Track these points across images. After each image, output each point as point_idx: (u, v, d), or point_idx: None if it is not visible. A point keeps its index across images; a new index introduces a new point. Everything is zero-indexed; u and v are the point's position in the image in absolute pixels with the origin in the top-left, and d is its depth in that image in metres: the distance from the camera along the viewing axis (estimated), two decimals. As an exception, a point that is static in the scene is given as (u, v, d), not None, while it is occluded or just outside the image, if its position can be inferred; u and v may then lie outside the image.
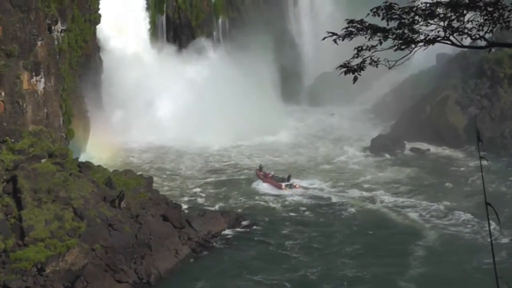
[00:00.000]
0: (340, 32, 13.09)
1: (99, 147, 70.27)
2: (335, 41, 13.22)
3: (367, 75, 13.78)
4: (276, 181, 62.50)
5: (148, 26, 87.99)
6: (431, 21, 12.86)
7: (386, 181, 64.09)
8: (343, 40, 13.18)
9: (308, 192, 60.83)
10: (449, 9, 12.75)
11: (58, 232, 43.53)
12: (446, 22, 12.75)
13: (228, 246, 48.98)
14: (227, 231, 51.08)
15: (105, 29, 77.58)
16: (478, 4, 12.67)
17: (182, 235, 48.53)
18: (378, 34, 12.94)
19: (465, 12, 12.74)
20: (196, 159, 73.37)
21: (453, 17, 12.76)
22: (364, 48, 12.89)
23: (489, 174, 61.82)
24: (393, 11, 13.01)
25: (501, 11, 12.61)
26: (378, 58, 12.94)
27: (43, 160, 50.28)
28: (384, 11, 13.02)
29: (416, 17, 12.95)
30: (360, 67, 12.88)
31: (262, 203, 58.47)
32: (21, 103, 54.31)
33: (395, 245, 48.46)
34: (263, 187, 62.47)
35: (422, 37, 12.91)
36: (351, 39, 13.16)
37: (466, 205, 55.37)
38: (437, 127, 77.55)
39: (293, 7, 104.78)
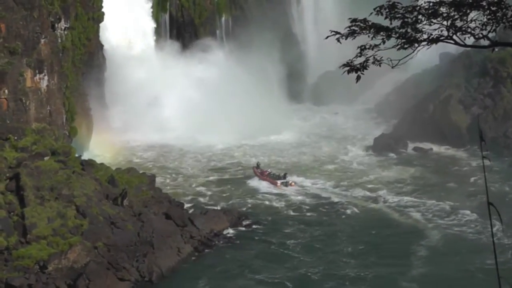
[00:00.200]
0: (343, 31, 13.07)
1: (102, 145, 70.36)
2: (338, 40, 13.21)
3: (370, 74, 13.76)
4: (272, 178, 62.69)
5: (152, 25, 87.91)
6: (434, 20, 12.85)
7: (389, 181, 63.98)
8: (346, 39, 13.18)
9: (311, 191, 60.80)
10: (453, 8, 12.74)
11: (60, 230, 43.55)
12: (449, 21, 12.74)
13: (230, 244, 48.96)
14: (229, 230, 51.10)
15: (109, 27, 77.52)
16: (481, 3, 12.65)
17: (185, 234, 48.53)
18: (381, 33, 12.93)
19: (468, 11, 12.72)
20: (199, 158, 73.32)
21: (456, 16, 12.75)
22: (367, 47, 12.89)
23: (492, 173, 61.74)
24: (396, 10, 13.00)
25: (504, 10, 12.60)
26: (381, 57, 12.94)
27: (46, 158, 50.29)
28: (387, 10, 13.01)
29: (419, 16, 12.94)
30: (363, 66, 12.88)
31: (265, 202, 58.40)
32: (24, 101, 54.33)
33: (397, 244, 48.41)
34: (259, 184, 62.52)
35: (425, 36, 12.91)
36: (354, 38, 13.16)
37: (469, 205, 55.28)
38: (440, 126, 77.34)
39: (296, 5, 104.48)
